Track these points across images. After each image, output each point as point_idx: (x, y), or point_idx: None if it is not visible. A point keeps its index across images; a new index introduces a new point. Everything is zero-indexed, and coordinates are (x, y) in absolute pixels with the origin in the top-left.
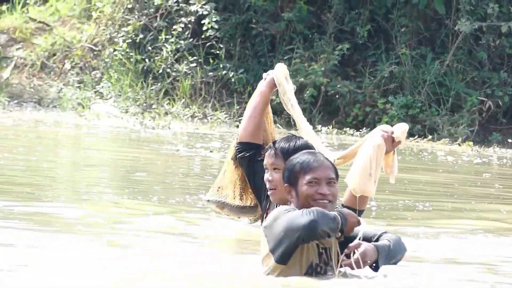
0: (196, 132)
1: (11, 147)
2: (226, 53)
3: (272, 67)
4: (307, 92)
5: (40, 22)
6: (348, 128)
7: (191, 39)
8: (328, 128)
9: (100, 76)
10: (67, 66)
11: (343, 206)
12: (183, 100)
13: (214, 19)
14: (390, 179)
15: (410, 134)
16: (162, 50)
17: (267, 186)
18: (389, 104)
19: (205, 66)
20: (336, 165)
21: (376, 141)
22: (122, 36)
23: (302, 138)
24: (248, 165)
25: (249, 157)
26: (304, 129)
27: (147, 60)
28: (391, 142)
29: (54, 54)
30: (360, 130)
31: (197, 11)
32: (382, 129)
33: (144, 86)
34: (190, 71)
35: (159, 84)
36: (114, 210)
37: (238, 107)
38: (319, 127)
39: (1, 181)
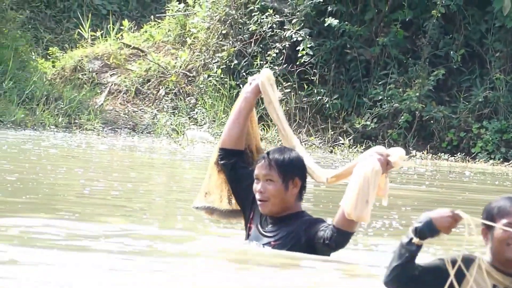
0: None
1: (106, 173)
2: (321, 78)
3: (367, 92)
4: (402, 117)
5: (134, 48)
6: (442, 154)
7: (285, 65)
8: (422, 153)
9: (195, 102)
10: (162, 92)
11: (334, 227)
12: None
13: (308, 45)
14: (383, 202)
15: (505, 159)
16: None
17: (257, 197)
18: (483, 129)
19: (299, 92)
20: (328, 183)
21: (374, 166)
22: (216, 62)
23: (294, 150)
24: (231, 172)
25: (231, 164)
26: (291, 141)
27: (241, 85)
28: (386, 166)
29: (149, 80)
30: (455, 155)
31: (291, 37)
32: (377, 151)
33: None
34: (284, 97)
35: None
36: (207, 236)
37: (332, 132)
38: (413, 152)
39: (98, 205)
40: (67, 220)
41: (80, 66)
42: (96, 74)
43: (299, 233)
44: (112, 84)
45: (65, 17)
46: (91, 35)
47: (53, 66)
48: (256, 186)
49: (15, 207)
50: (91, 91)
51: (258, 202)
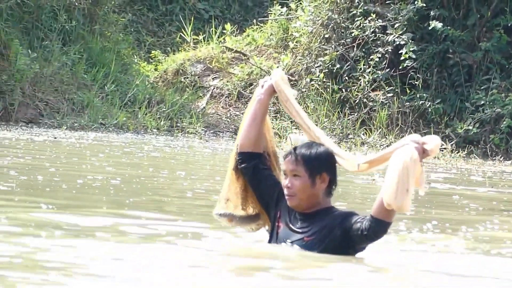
0: None
1: (209, 177)
2: (423, 83)
3: (469, 97)
4: (504, 122)
5: (236, 51)
6: None
7: (387, 69)
8: None
9: None
10: None
11: (372, 217)
12: (380, 130)
13: (411, 49)
14: (420, 191)
15: None
16: (359, 80)
17: (285, 192)
18: None
19: (401, 96)
20: (359, 171)
21: (412, 154)
22: (318, 66)
23: (323, 145)
24: (252, 174)
25: (252, 166)
26: (317, 133)
27: (343, 90)
28: (422, 154)
29: (251, 84)
30: None
31: (394, 41)
32: (413, 139)
33: (341, 116)
34: (386, 101)
35: (355, 114)
36: None
37: None
38: None
39: (202, 207)
40: (172, 221)
41: (182, 70)
42: (198, 77)
43: (334, 228)
44: (214, 88)
45: (168, 21)
46: (193, 39)
47: (155, 69)
48: (284, 181)
49: (122, 207)
50: (193, 94)
51: (286, 197)
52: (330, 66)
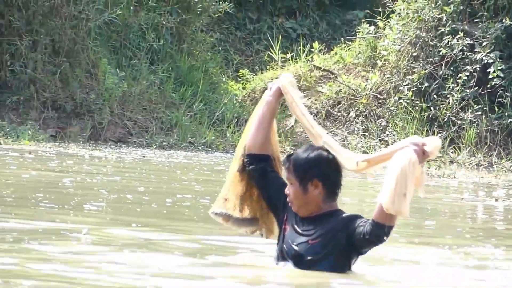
0: (481, 181)
1: None
2: (511, 101)
3: None
4: None
5: (324, 70)
6: None
7: (476, 88)
8: None
9: (385, 125)
10: (352, 114)
11: (373, 221)
12: (469, 148)
13: (499, 68)
14: (419, 193)
15: None
16: (447, 98)
17: (287, 199)
18: None
19: (490, 114)
20: (358, 169)
21: (411, 157)
22: (407, 84)
23: (318, 149)
24: (260, 176)
25: (261, 168)
26: (320, 134)
27: (432, 108)
28: (422, 155)
29: (339, 103)
30: None
31: (482, 60)
32: (412, 142)
33: (429, 134)
34: (475, 119)
35: (444, 132)
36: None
37: None
38: None
39: None
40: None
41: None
42: None
43: (338, 231)
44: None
45: (256, 39)
46: (281, 57)
47: (243, 88)
48: (286, 189)
49: (213, 225)
50: (282, 113)
51: (289, 204)
52: (418, 84)
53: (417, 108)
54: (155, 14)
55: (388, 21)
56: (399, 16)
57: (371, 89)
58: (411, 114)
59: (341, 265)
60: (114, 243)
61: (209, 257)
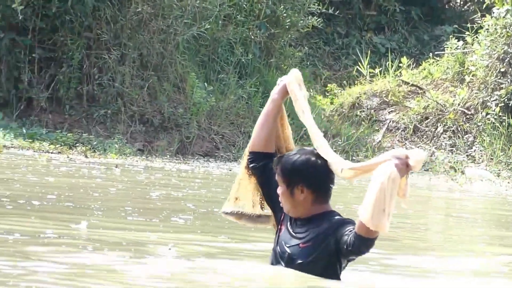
0: None
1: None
2: None
3: None
4: None
5: (413, 85)
6: None
7: None
8: None
9: (473, 140)
10: (440, 129)
11: (355, 233)
12: None
13: None
14: (402, 204)
15: None
16: None
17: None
18: None
19: None
20: (342, 176)
21: (390, 173)
22: (494, 100)
23: (307, 153)
24: (261, 174)
25: (261, 167)
26: (315, 136)
27: None
28: (405, 169)
29: (427, 118)
30: None
31: None
32: (395, 155)
33: None
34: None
35: None
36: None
37: None
38: None
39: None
40: None
41: (358, 103)
42: (374, 111)
43: (328, 235)
44: (390, 121)
45: (344, 54)
46: (369, 72)
47: (331, 103)
48: (277, 189)
49: None
50: (369, 128)
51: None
52: (506, 100)
53: (504, 123)
54: (243, 28)
55: (477, 37)
56: (487, 32)
57: (458, 105)
58: (498, 130)
59: (331, 269)
60: (200, 256)
61: None
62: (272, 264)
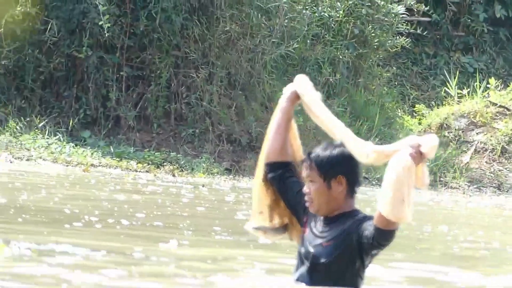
0: None
1: (473, 232)
2: None
3: None
4: None
5: (501, 106)
6: None
7: None
8: None
9: None
10: None
11: (375, 227)
12: None
13: None
14: (422, 188)
15: None
16: None
17: (306, 198)
18: None
19: None
20: (368, 161)
21: (405, 163)
22: None
23: (340, 146)
24: (280, 183)
25: (279, 176)
26: (337, 126)
27: None
28: (419, 157)
29: None
30: None
31: None
32: (409, 144)
33: None
34: None
35: None
36: None
37: None
38: None
39: (468, 258)
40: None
41: (446, 124)
42: (462, 132)
43: (351, 233)
44: (478, 142)
45: (432, 74)
46: (457, 93)
47: (419, 123)
48: (305, 188)
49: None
50: (457, 149)
51: (306, 203)
52: None
53: None
54: (331, 48)
55: None
56: None
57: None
58: None
59: (354, 267)
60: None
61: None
62: (297, 266)
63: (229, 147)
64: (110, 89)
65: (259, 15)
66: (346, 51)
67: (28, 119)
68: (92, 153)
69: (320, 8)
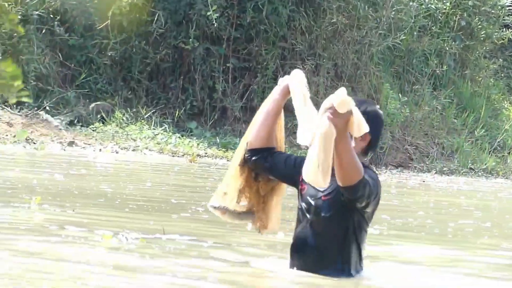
0: None
1: None
2: None
3: None
4: None
5: None
6: None
7: None
8: None
9: None
10: None
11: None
12: None
13: None
14: (357, 134)
15: None
16: None
17: None
18: None
19: None
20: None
21: (321, 129)
22: None
23: (375, 104)
24: (266, 161)
25: (264, 156)
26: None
27: None
28: (337, 114)
29: None
30: None
31: None
32: (325, 107)
33: None
34: None
35: None
36: None
37: None
38: None
39: None
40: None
41: None
42: None
43: None
44: None
45: None
46: None
47: None
48: None
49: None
50: None
51: None
52: None
53: None
54: (438, 40)
55: None
56: None
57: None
58: None
59: (354, 220)
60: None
61: None
62: (297, 223)
63: None
64: (217, 80)
65: (366, 6)
66: (453, 43)
67: (134, 109)
68: (198, 144)
69: (427, 0)
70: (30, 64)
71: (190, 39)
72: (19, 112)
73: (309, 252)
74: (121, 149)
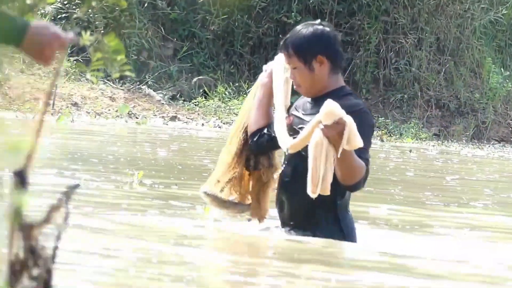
0: None
1: None
2: None
3: None
4: None
5: None
6: None
7: None
8: None
9: None
10: None
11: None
12: None
13: None
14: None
15: None
16: None
17: (294, 85)
18: None
19: None
20: (290, 151)
21: (312, 140)
22: None
23: (313, 25)
24: (269, 139)
25: (267, 132)
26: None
27: None
28: (328, 127)
29: None
30: None
31: None
32: (317, 119)
33: None
34: None
35: None
36: None
37: None
38: None
39: None
40: None
41: None
42: None
43: None
44: None
45: None
46: None
47: None
48: (290, 75)
49: None
50: None
51: (295, 88)
52: None
53: None
54: None
55: None
56: None
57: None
58: None
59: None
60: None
61: None
62: (284, 159)
63: (437, 112)
64: None
65: None
66: None
67: (236, 84)
68: None
69: None
70: (132, 38)
71: (293, 13)
72: (121, 86)
73: (297, 203)
74: (224, 123)
